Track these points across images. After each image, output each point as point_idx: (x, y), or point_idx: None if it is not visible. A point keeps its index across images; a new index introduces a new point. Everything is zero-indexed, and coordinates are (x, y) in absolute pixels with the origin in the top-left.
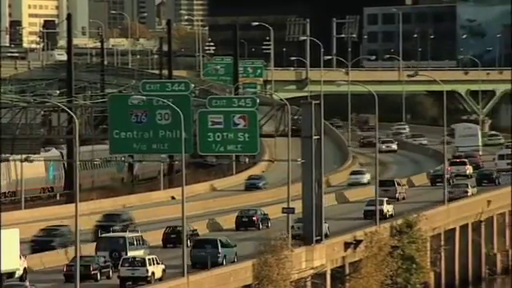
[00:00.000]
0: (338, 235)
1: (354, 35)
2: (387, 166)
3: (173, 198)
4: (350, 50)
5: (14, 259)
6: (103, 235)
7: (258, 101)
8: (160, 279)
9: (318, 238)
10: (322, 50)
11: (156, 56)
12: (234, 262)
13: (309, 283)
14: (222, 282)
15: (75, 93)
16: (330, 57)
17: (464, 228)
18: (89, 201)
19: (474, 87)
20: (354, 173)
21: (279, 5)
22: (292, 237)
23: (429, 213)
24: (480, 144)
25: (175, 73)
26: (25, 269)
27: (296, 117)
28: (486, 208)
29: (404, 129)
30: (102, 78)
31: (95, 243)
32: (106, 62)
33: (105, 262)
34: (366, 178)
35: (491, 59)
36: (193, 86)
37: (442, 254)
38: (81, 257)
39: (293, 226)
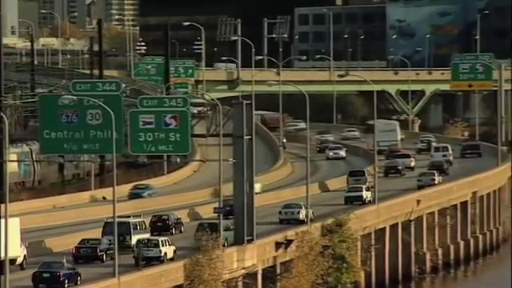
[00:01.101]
0: (321, 219)
1: (285, 35)
2: (318, 166)
3: (104, 198)
4: (281, 50)
5: (16, 247)
6: (108, 220)
7: (189, 101)
8: (172, 259)
9: (250, 238)
10: (254, 50)
11: (86, 56)
12: (232, 244)
13: (240, 283)
14: (153, 283)
15: (5, 93)
16: (261, 57)
17: (394, 227)
18: (18, 201)
19: (403, 87)
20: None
21: (210, 5)
22: (280, 221)
23: (359, 212)
24: (398, 139)
25: (106, 73)
26: (24, 256)
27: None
28: (415, 207)
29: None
30: (32, 77)
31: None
32: (36, 62)
33: (109, 244)
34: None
35: (421, 59)
36: (124, 85)
37: (373, 253)
38: (88, 240)
39: (280, 212)
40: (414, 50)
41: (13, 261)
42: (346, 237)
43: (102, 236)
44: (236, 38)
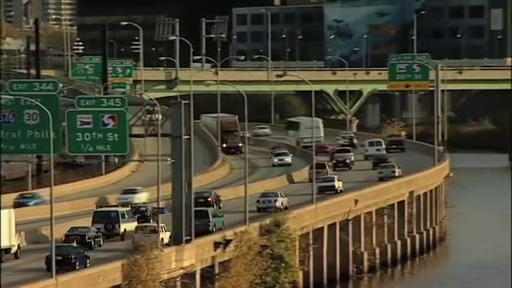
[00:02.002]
0: (292, 208)
1: (223, 35)
2: (257, 167)
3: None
4: (219, 50)
5: (11, 236)
6: (98, 209)
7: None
8: (167, 244)
9: (188, 238)
10: (192, 49)
11: (23, 55)
12: (221, 229)
13: (178, 283)
14: (91, 283)
15: None
16: (199, 57)
17: (332, 227)
18: None
19: (341, 87)
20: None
21: (148, 4)
22: (257, 209)
23: (297, 212)
24: (322, 135)
25: (43, 72)
26: (18, 245)
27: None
28: (353, 207)
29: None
30: None
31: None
32: None
33: (97, 232)
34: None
35: (358, 59)
36: (61, 85)
37: (311, 252)
38: (77, 228)
39: (258, 201)
40: (351, 50)
41: (7, 250)
42: (284, 236)
43: (92, 224)
44: (174, 37)
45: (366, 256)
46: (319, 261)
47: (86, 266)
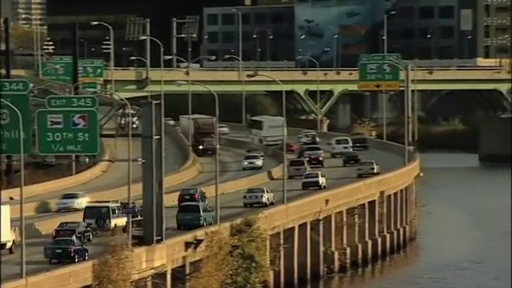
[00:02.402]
0: (278, 204)
1: (194, 35)
2: (228, 169)
3: (11, 198)
4: (190, 50)
5: (7, 232)
6: (89, 205)
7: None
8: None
9: (159, 237)
10: (162, 49)
11: None
12: (211, 224)
13: (149, 283)
14: (61, 283)
15: None
16: (170, 56)
17: (303, 227)
18: None
19: (312, 87)
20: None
21: (119, 4)
22: (244, 205)
23: (268, 212)
24: (285, 134)
25: (13, 72)
26: (13, 241)
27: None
28: (324, 207)
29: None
30: None
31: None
32: None
33: (86, 227)
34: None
35: (329, 59)
36: (31, 85)
37: (281, 252)
38: (67, 223)
39: (245, 196)
40: (322, 50)
41: (3, 245)
42: (255, 236)
43: (84, 219)
44: (145, 37)
45: (336, 256)
46: (290, 261)
47: (84, 259)
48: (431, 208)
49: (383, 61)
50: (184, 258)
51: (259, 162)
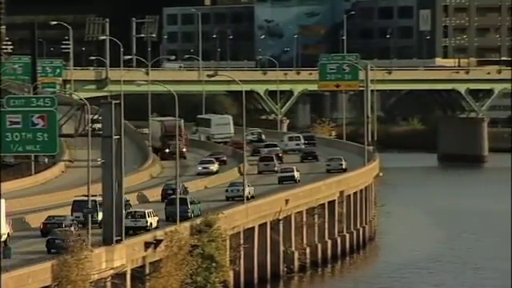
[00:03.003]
0: (261, 197)
1: (154, 35)
2: (189, 166)
3: None
4: (149, 49)
5: (2, 225)
6: (76, 199)
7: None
8: (156, 228)
9: (119, 238)
10: (122, 49)
11: None
12: (198, 215)
13: (109, 283)
14: (20, 284)
15: None
16: (129, 56)
17: (263, 226)
18: None
19: (272, 87)
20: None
21: (78, 4)
22: (226, 198)
23: (228, 212)
24: (232, 132)
25: None
26: (8, 233)
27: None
28: (284, 207)
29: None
30: None
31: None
32: None
33: (72, 220)
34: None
35: (289, 59)
36: None
37: (241, 252)
38: (54, 216)
39: (227, 190)
40: (282, 50)
41: None
42: (215, 236)
43: (72, 213)
44: (104, 37)
45: (296, 255)
46: (250, 260)
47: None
48: (390, 208)
49: (343, 61)
50: (144, 258)
51: (213, 167)
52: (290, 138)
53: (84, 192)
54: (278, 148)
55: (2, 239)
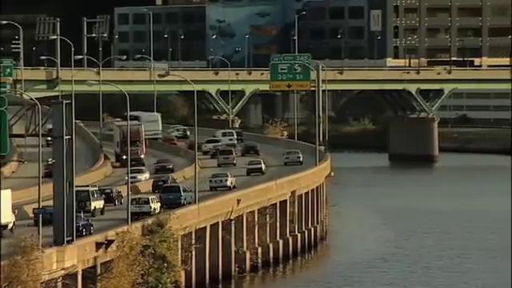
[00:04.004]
0: (239, 188)
1: (105, 35)
2: (144, 169)
3: None
4: (100, 49)
5: (9, 214)
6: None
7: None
8: (159, 213)
9: (70, 238)
10: (73, 49)
11: None
12: (190, 203)
13: (60, 284)
14: None
15: None
16: (80, 56)
17: (214, 226)
18: None
19: (224, 87)
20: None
21: (29, 3)
22: (210, 188)
23: (180, 212)
24: (160, 129)
25: None
26: (14, 222)
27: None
28: (235, 207)
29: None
30: None
31: None
32: None
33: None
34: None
35: (240, 59)
36: None
37: (193, 252)
38: (46, 207)
39: (211, 180)
40: (233, 50)
41: (5, 226)
42: (167, 236)
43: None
44: (55, 37)
45: (248, 255)
46: (201, 260)
47: (90, 233)
48: (342, 207)
49: (294, 61)
50: (95, 258)
51: (141, 176)
52: (224, 134)
53: (29, 194)
54: (220, 143)
55: (9, 227)
